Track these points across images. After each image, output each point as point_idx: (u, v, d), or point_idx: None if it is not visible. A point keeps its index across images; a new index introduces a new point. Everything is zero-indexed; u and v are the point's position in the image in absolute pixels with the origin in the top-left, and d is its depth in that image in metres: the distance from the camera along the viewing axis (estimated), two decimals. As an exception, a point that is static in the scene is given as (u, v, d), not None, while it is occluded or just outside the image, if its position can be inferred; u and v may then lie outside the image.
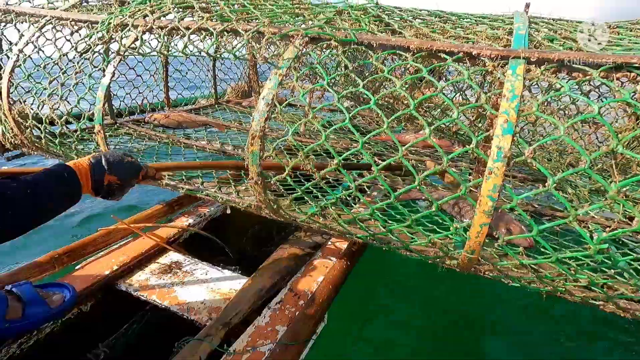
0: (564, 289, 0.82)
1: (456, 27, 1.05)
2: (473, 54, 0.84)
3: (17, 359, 0.97)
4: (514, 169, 1.98)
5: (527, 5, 1.27)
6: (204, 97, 3.31)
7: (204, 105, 3.19)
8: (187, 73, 2.94)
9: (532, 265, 0.79)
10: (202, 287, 1.20)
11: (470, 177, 1.92)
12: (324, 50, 1.01)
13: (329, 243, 1.43)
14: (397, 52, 0.92)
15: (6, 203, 0.67)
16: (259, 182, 0.98)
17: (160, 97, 2.82)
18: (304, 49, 0.99)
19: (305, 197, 1.08)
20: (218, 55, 1.04)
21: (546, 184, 0.69)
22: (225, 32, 1.04)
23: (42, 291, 1.02)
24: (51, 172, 0.77)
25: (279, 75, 0.94)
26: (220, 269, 1.31)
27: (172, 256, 1.37)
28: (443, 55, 0.88)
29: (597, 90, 1.66)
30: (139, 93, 2.59)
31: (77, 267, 1.23)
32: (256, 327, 1.01)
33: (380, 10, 1.20)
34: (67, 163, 0.81)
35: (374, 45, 0.94)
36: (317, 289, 1.16)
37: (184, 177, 1.51)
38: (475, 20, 1.14)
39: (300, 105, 3.49)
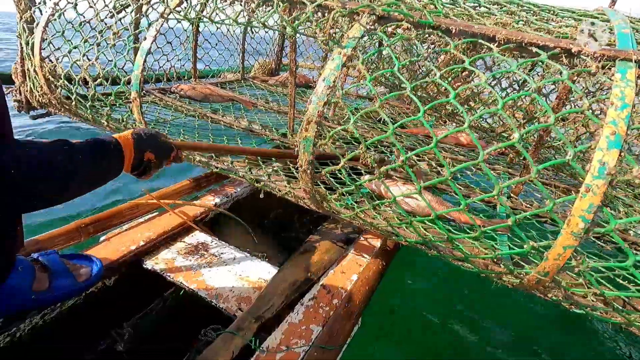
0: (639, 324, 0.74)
1: (541, 20, 0.93)
2: (572, 50, 0.74)
3: (39, 329, 0.93)
4: (552, 177, 1.86)
5: (614, 2, 1.13)
6: (230, 71, 3.20)
7: (230, 80, 3.10)
8: (216, 44, 2.83)
9: (623, 297, 0.70)
10: (230, 273, 1.15)
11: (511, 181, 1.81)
12: (394, 32, 0.91)
13: (362, 238, 1.36)
14: (480, 41, 0.82)
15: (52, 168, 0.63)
16: (309, 172, 0.90)
17: (187, 66, 2.73)
18: (371, 28, 0.89)
19: (348, 195, 1.01)
20: (275, 29, 0.95)
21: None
22: (286, 2, 0.94)
23: (70, 262, 0.98)
24: (98, 142, 0.72)
25: (344, 56, 0.84)
26: (247, 254, 1.25)
27: (199, 236, 1.31)
28: (535, 50, 0.77)
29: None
30: (167, 61, 2.50)
31: (102, 239, 1.18)
32: (289, 324, 0.95)
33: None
34: (115, 137, 0.76)
35: (453, 31, 0.84)
36: (352, 288, 1.10)
37: (213, 155, 1.44)
38: (558, 13, 1.02)
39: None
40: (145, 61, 1.20)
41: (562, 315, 1.69)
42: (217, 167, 1.31)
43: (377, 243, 1.33)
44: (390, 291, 1.68)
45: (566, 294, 0.77)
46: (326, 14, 0.90)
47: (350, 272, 1.17)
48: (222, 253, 1.24)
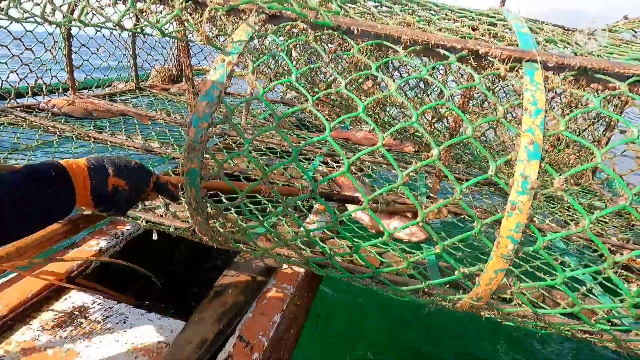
0: (569, 333, 0.72)
1: (444, 19, 0.88)
2: (480, 52, 0.68)
3: None
4: (463, 171, 1.94)
5: (503, 1, 1.15)
6: (121, 81, 2.78)
7: (121, 90, 2.68)
8: (98, 50, 2.41)
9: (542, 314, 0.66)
10: (118, 344, 0.90)
11: (428, 181, 1.83)
12: (287, 34, 0.76)
13: (284, 266, 1.20)
14: (384, 42, 0.72)
15: None
16: (200, 210, 0.71)
17: (61, 77, 2.27)
18: (261, 30, 0.74)
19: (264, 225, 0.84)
20: (138, 30, 0.74)
21: (580, 225, 0.55)
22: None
23: None
24: (33, 171, 0.57)
25: (229, 64, 0.67)
26: (145, 311, 1.01)
27: (75, 297, 1.02)
28: (442, 52, 0.70)
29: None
30: (30, 71, 2.03)
31: None
32: (197, 403, 0.75)
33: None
34: (59, 161, 0.62)
35: (355, 32, 0.73)
36: (275, 333, 0.94)
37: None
38: (456, 12, 0.99)
39: (240, 96, 3.15)
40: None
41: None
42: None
43: (301, 269, 1.19)
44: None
45: (500, 314, 0.72)
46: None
47: (272, 312, 1.01)
48: (107, 316, 0.97)
